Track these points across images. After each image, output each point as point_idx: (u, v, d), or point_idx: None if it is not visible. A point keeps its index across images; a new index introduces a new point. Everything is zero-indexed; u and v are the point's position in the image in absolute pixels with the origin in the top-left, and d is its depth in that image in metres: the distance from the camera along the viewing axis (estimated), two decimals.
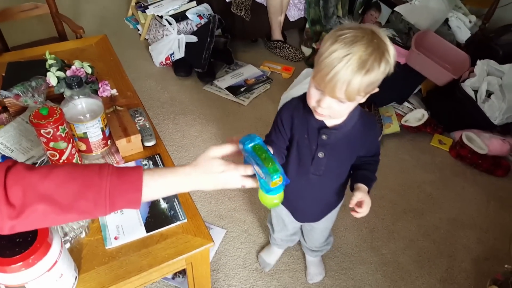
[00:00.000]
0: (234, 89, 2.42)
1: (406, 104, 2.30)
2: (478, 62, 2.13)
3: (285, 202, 1.17)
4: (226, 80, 2.48)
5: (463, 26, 2.45)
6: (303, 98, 0.95)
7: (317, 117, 0.92)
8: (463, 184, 1.96)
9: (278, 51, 2.73)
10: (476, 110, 2.05)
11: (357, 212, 0.97)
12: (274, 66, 2.64)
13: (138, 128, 1.14)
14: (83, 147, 1.06)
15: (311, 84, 0.87)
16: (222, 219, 1.70)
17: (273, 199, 0.82)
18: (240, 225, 1.69)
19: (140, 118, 1.20)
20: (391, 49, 0.81)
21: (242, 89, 2.43)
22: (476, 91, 2.08)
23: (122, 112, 1.18)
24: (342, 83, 0.79)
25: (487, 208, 1.85)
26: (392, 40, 2.33)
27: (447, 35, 2.45)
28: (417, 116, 2.20)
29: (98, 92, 1.16)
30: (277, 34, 2.73)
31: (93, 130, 1.04)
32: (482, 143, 2.03)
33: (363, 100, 0.87)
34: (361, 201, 0.97)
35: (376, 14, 2.81)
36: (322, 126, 0.96)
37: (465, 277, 1.58)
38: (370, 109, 2.19)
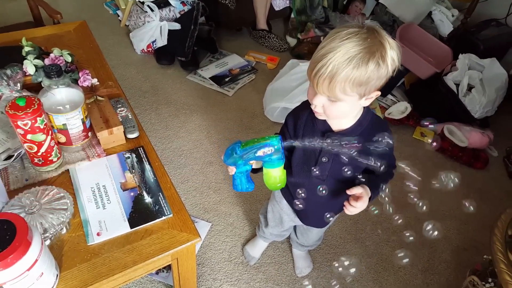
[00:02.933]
0: (218, 79, 2.38)
1: (389, 96, 2.32)
2: (460, 56, 2.16)
3: (291, 202, 1.16)
4: (210, 70, 2.44)
5: (446, 20, 2.48)
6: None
7: (317, 116, 0.89)
8: None
9: (263, 41, 2.70)
10: (458, 104, 2.08)
11: (351, 205, 0.93)
12: (259, 56, 2.60)
13: (120, 119, 1.10)
14: (63, 139, 1.02)
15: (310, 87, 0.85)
16: (207, 212, 1.68)
17: (277, 179, 0.89)
18: (225, 218, 1.67)
19: (122, 108, 1.16)
20: (389, 51, 0.78)
21: (226, 79, 2.39)
22: (457, 85, 2.11)
23: (103, 102, 1.13)
24: (324, 77, 0.77)
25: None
26: None
27: (430, 29, 2.47)
28: (400, 108, 2.22)
29: (79, 82, 1.11)
30: (262, 24, 2.70)
31: (73, 122, 1.00)
32: (463, 136, 2.07)
33: (365, 103, 0.84)
34: (359, 196, 0.92)
35: (361, 5, 2.80)
36: (327, 129, 0.93)
37: (446, 267, 1.61)
38: None
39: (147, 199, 0.98)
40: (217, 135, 2.04)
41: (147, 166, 1.06)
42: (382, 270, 1.58)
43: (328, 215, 0.95)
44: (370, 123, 0.92)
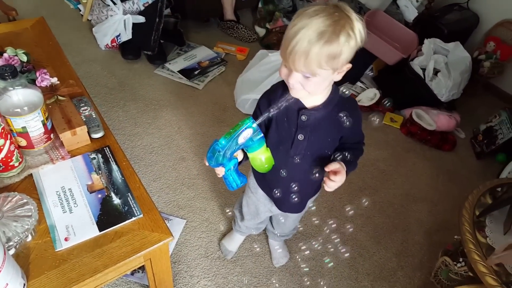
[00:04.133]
0: (187, 72, 2.34)
1: (358, 84, 2.35)
2: (425, 41, 2.21)
3: (268, 190, 1.18)
4: (179, 63, 2.39)
5: (410, 5, 2.51)
6: (282, 82, 0.94)
7: (293, 94, 0.90)
8: (414, 160, 2.04)
9: (231, 32, 2.67)
10: (425, 88, 2.13)
11: (330, 179, 0.92)
12: (228, 47, 2.57)
13: (84, 119, 1.07)
14: (23, 142, 0.98)
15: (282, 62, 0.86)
16: (181, 209, 1.66)
17: (263, 160, 0.93)
18: (200, 214, 1.65)
19: (86, 107, 1.12)
20: (356, 23, 0.80)
21: (196, 72, 2.35)
22: (424, 70, 2.15)
23: (65, 102, 1.09)
24: (300, 54, 0.79)
25: (436, 182, 1.95)
26: None
27: (395, 14, 2.50)
28: (369, 95, 2.25)
29: (36, 82, 1.07)
30: (229, 14, 2.66)
31: (33, 124, 0.96)
32: (431, 119, 2.12)
33: (337, 77, 0.87)
34: (338, 170, 0.92)
35: None
36: (301, 107, 0.94)
37: (419, 249, 1.66)
38: None
39: (116, 200, 0.96)
40: (189, 130, 2.01)
41: (114, 166, 1.03)
42: (358, 256, 1.61)
43: (315, 172, 0.96)
44: (341, 99, 0.95)
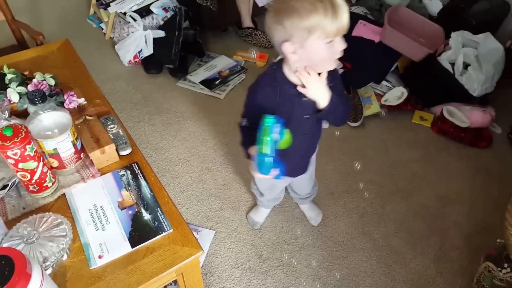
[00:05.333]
0: (208, 83, 2.35)
1: (384, 83, 2.29)
2: (453, 34, 2.13)
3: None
4: (200, 74, 2.41)
5: None
6: (271, 74, 1.02)
7: (334, 65, 0.98)
8: (448, 159, 1.96)
9: (250, 39, 2.67)
10: (455, 83, 2.05)
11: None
12: (247, 55, 2.57)
13: (112, 137, 1.08)
14: (55, 163, 1.00)
15: (320, 46, 0.91)
16: (210, 220, 1.66)
17: (287, 141, 1.00)
18: (228, 224, 1.65)
19: (113, 126, 1.13)
20: None
21: (217, 82, 2.36)
22: (453, 64, 2.07)
23: (92, 121, 1.11)
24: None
25: (473, 182, 1.86)
26: (365, 17, 2.29)
27: (418, 9, 2.43)
28: (396, 94, 2.18)
29: (64, 104, 1.09)
30: (247, 21, 2.66)
31: (64, 145, 0.97)
32: (463, 116, 2.03)
33: None
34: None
35: None
36: (297, 90, 1.00)
37: (458, 254, 1.58)
38: (349, 91, 2.16)
39: (146, 216, 0.96)
40: (213, 139, 2.01)
41: (143, 182, 1.03)
42: (393, 263, 1.55)
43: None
44: None
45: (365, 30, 2.19)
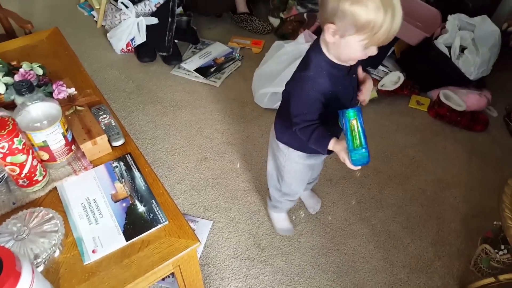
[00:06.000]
0: (203, 70, 2.31)
1: (381, 68, 2.26)
2: (449, 17, 2.10)
3: (313, 150, 1.21)
4: (194, 62, 2.37)
5: None
6: (316, 65, 1.00)
7: (352, 63, 1.01)
8: (444, 143, 1.96)
9: (245, 25, 2.62)
10: (451, 67, 2.03)
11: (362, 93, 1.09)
12: (243, 41, 2.53)
13: (103, 128, 1.05)
14: (45, 156, 0.97)
15: (356, 46, 0.92)
16: (207, 210, 1.64)
17: None
18: (226, 214, 1.64)
19: (105, 116, 1.11)
20: None
21: (212, 70, 2.32)
22: (449, 48, 2.05)
23: (83, 112, 1.08)
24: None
25: (469, 165, 1.86)
26: None
27: None
28: (393, 79, 2.16)
29: (53, 95, 1.06)
30: (242, 7, 2.61)
31: (54, 137, 0.95)
32: (460, 99, 2.02)
33: None
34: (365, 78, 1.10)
35: None
36: (348, 68, 1.02)
37: (456, 237, 1.59)
38: None
39: (140, 208, 0.94)
40: (209, 129, 1.99)
41: (137, 174, 1.01)
42: (392, 247, 1.55)
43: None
44: None
45: None
